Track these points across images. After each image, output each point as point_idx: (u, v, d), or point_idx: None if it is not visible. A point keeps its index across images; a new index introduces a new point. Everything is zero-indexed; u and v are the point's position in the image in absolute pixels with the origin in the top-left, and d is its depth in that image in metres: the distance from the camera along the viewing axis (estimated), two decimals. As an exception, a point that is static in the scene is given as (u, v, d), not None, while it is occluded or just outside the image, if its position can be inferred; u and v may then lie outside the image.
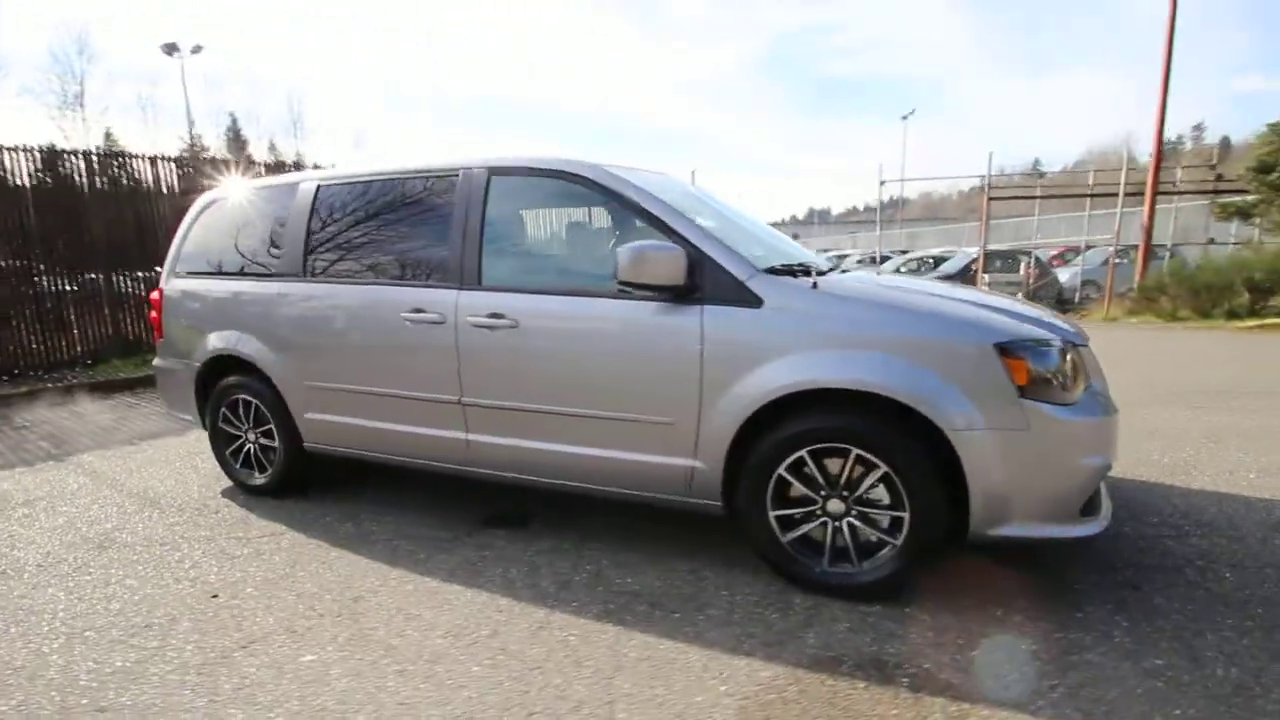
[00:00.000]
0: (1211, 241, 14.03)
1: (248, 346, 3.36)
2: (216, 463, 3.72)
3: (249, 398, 3.45)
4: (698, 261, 2.36)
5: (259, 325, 3.33)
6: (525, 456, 2.77)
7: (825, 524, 2.32)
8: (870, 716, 1.73)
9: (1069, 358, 2.18)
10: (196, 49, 28.61)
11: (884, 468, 2.18)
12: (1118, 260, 14.62)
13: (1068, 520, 2.13)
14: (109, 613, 2.39)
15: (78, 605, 2.45)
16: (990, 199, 14.05)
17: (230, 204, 3.61)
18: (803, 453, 2.28)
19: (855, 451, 2.21)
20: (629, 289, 2.39)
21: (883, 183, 15.98)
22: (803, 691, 1.83)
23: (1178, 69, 11.15)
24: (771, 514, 2.37)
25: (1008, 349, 2.09)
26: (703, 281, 2.37)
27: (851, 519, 2.28)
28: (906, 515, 2.18)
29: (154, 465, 4.21)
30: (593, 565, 2.63)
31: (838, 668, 1.93)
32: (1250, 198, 12.28)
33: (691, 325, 2.38)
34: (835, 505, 2.29)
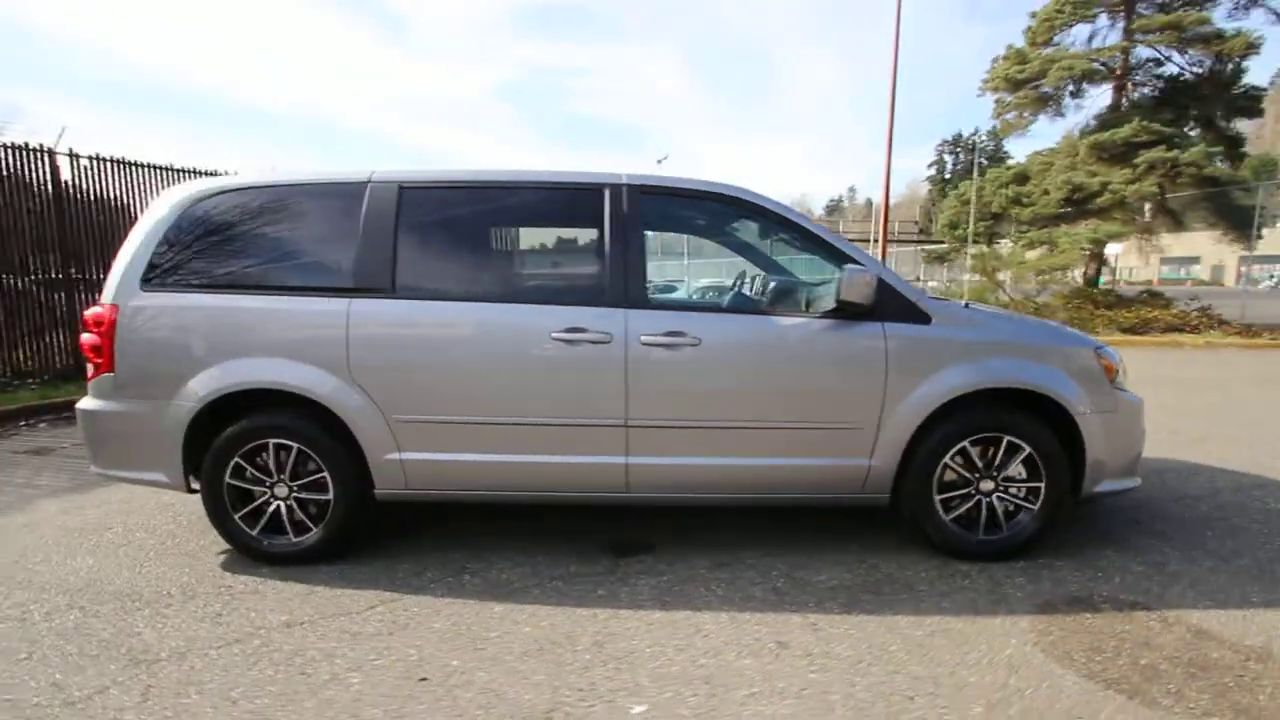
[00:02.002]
0: (918, 279, 18.56)
1: (296, 376, 2.70)
2: (205, 531, 2.86)
3: (286, 441, 2.75)
4: (879, 283, 2.70)
5: (317, 350, 2.70)
6: (692, 474, 2.77)
7: (978, 501, 2.82)
8: (1116, 634, 2.24)
9: (1119, 357, 3.02)
10: None
11: (1028, 449, 2.75)
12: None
13: (1130, 476, 2.94)
14: (292, 730, 1.81)
15: (227, 733, 1.79)
16: (774, 237, 16.57)
17: (238, 203, 2.84)
18: (965, 443, 2.75)
19: (1007, 438, 2.75)
20: (845, 307, 2.62)
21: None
22: (1063, 629, 2.27)
23: (839, 144, 14.70)
24: (936, 499, 2.79)
25: (1099, 351, 2.84)
26: (882, 301, 2.71)
27: (1000, 494, 2.81)
28: (1043, 486, 2.78)
29: (48, 548, 3.01)
30: (777, 572, 2.75)
31: (1058, 608, 2.42)
32: (944, 247, 16.61)
33: (877, 340, 2.70)
34: (987, 484, 2.80)
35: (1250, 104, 13.87)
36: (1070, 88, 16.42)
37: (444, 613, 2.43)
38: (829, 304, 2.70)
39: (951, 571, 2.73)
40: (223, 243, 2.83)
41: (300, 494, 2.82)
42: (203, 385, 2.71)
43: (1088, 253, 13.72)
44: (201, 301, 2.77)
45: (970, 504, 2.82)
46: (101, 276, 7.34)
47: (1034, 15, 16.05)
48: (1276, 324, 11.64)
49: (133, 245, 2.83)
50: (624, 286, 2.70)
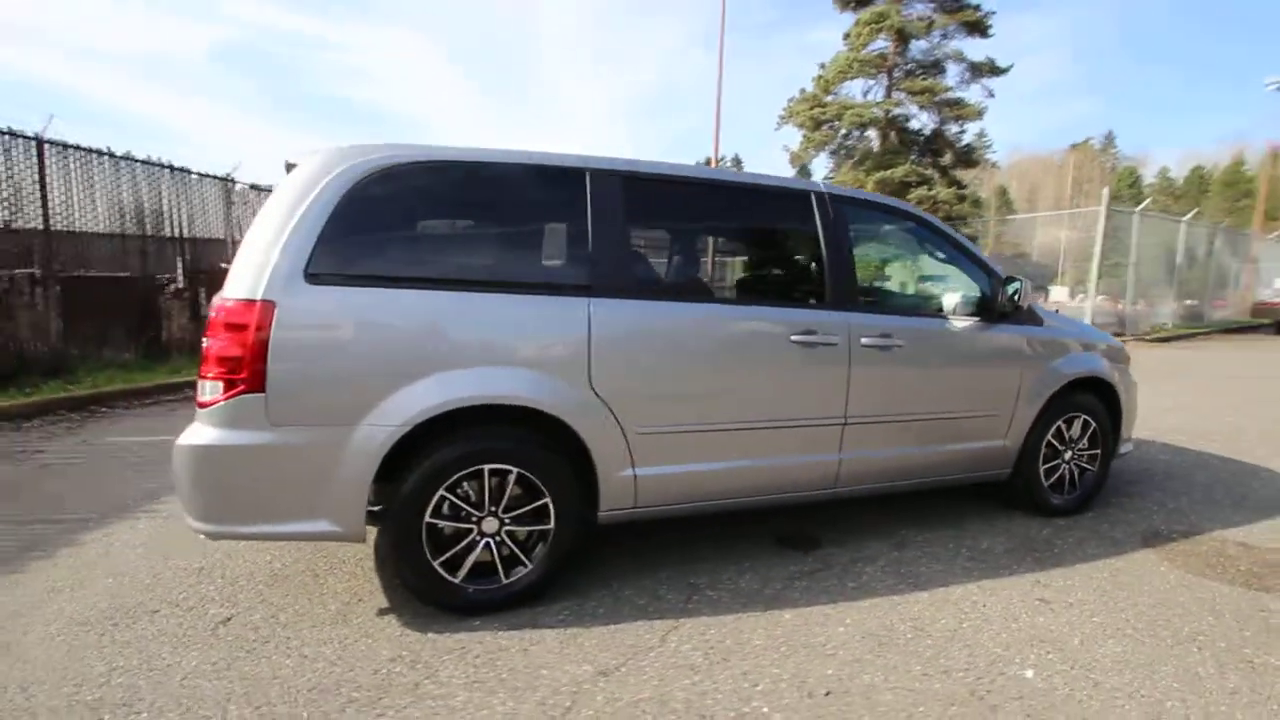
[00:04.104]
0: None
1: (534, 388, 2.31)
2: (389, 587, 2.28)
3: (505, 467, 2.34)
4: (1018, 293, 3.23)
5: (554, 357, 2.35)
6: (884, 465, 3.00)
7: (1063, 469, 3.51)
8: (1205, 553, 3.03)
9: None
10: None
11: (1094, 424, 3.52)
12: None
13: (1130, 441, 3.90)
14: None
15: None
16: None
17: (434, 179, 2.30)
18: (1059, 423, 3.42)
19: (1083, 417, 3.48)
20: (1008, 311, 3.07)
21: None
22: (1175, 554, 3.00)
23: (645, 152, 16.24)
24: (1041, 469, 3.42)
25: (1121, 346, 3.74)
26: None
27: (1074, 461, 3.54)
28: (1100, 452, 3.57)
29: (97, 653, 2.12)
30: (952, 545, 3.10)
31: (1152, 542, 3.16)
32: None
33: (1019, 339, 3.22)
34: (1069, 454, 3.51)
35: (970, 157, 18.29)
36: (844, 130, 19.87)
37: (744, 629, 2.32)
38: (976, 308, 3.14)
39: (1056, 526, 3.37)
40: (416, 227, 2.30)
41: (512, 526, 2.41)
42: (410, 403, 2.18)
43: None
44: (398, 299, 2.21)
45: (1057, 472, 3.51)
46: None
47: (823, 66, 19.07)
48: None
49: (285, 226, 2.14)
50: (843, 290, 2.83)
